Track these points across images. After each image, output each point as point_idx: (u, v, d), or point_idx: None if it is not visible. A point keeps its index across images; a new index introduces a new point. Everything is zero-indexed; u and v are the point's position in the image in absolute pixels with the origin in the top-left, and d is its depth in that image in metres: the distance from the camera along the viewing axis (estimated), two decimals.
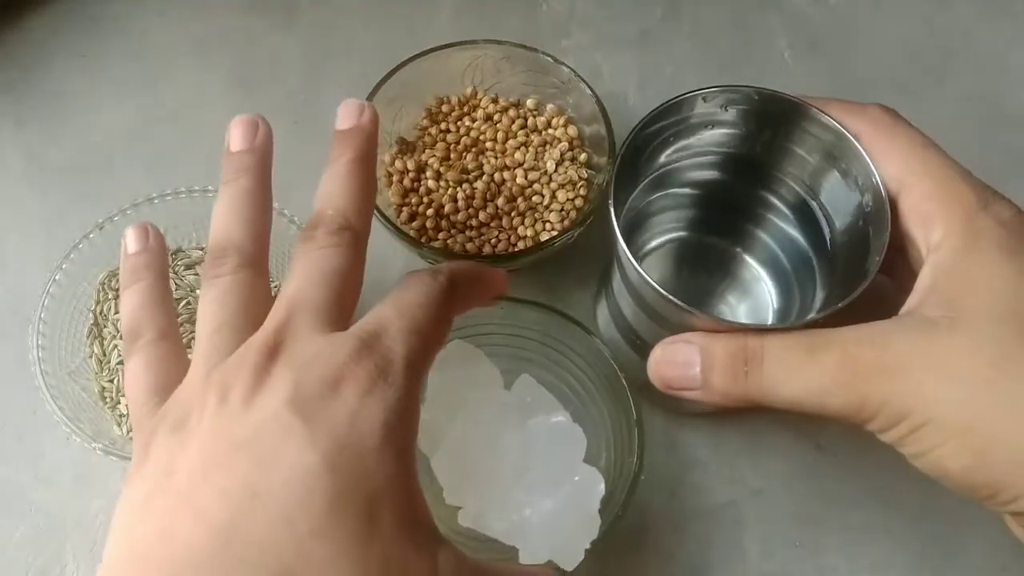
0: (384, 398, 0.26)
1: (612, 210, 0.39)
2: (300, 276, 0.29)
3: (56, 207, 0.54)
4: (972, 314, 0.29)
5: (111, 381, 0.46)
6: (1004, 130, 0.57)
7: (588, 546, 0.38)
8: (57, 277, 0.46)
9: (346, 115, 0.35)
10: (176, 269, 0.47)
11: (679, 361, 0.33)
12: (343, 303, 0.29)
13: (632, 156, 0.41)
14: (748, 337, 0.32)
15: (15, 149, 0.56)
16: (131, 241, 0.35)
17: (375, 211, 0.47)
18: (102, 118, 0.57)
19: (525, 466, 0.40)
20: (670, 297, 0.37)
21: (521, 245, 0.50)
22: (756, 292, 0.48)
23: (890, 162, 0.34)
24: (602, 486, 0.39)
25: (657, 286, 0.38)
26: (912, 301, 0.32)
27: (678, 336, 0.34)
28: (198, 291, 0.46)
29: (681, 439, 0.48)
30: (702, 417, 0.48)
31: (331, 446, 0.25)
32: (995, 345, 0.29)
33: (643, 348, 0.44)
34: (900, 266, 0.35)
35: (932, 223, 0.32)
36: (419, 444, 0.41)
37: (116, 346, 0.46)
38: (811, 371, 0.30)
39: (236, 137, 0.34)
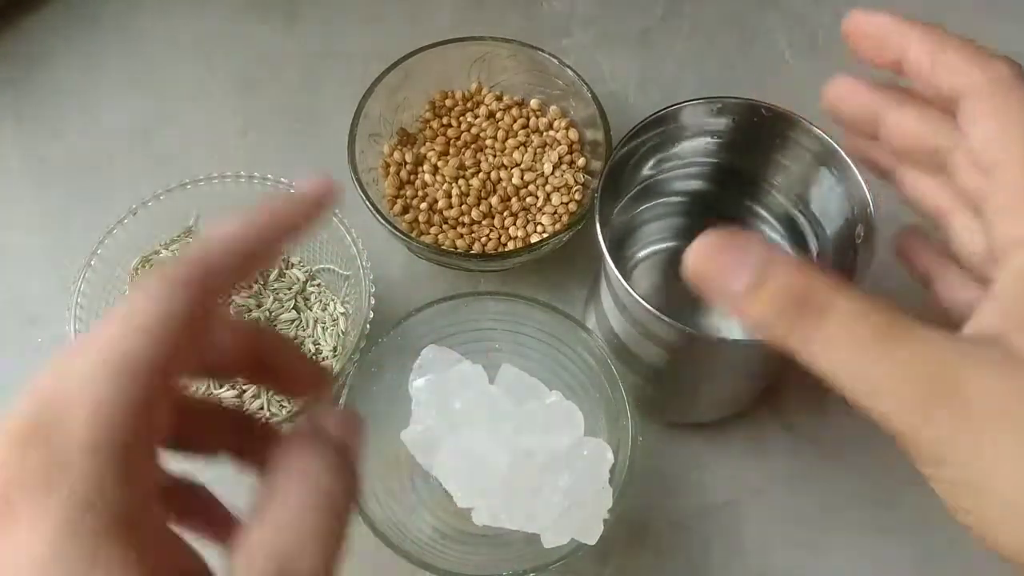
0: None
1: (598, 223, 0.39)
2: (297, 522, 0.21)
3: (56, 205, 0.54)
4: None
5: None
6: None
7: (607, 516, 0.39)
8: (92, 263, 0.46)
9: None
10: None
11: (726, 260, 0.26)
12: None
13: (619, 167, 0.42)
14: (819, 283, 0.25)
15: (15, 147, 0.56)
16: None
17: (368, 203, 0.47)
18: (102, 117, 0.57)
19: (530, 452, 0.40)
20: (654, 311, 0.37)
21: (511, 245, 0.50)
22: None
23: (987, 129, 0.28)
24: (610, 454, 0.40)
25: (642, 300, 0.38)
26: (990, 318, 0.25)
27: (741, 233, 0.27)
28: None
29: (681, 439, 0.48)
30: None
31: None
32: None
33: (631, 361, 0.44)
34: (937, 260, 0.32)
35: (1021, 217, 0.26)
36: (416, 457, 0.41)
37: None
38: (874, 358, 0.24)
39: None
